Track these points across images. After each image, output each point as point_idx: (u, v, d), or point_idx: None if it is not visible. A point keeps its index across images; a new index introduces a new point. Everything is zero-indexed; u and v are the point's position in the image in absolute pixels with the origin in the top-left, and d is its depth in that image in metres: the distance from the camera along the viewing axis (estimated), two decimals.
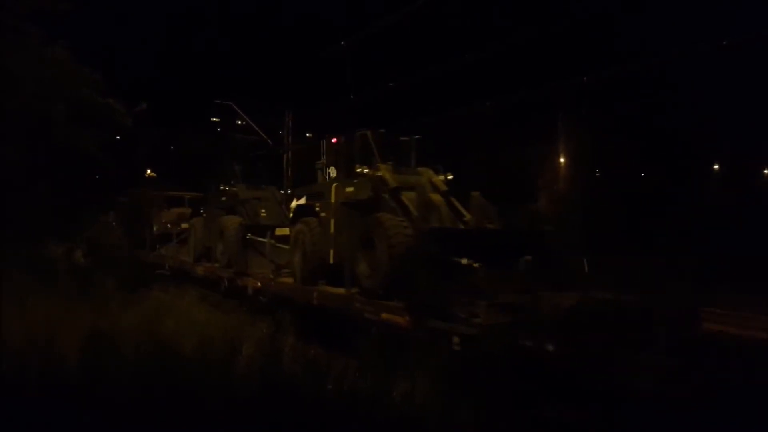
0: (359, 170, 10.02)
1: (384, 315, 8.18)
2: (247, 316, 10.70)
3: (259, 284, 11.96)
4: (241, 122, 35.26)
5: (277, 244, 12.24)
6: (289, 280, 11.40)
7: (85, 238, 19.59)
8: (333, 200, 10.55)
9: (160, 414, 5.11)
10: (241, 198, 15.62)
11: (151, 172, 44.72)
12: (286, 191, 21.78)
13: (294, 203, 12.26)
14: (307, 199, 11.73)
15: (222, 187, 16.81)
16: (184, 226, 18.70)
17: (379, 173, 9.80)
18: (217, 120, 55.36)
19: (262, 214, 15.21)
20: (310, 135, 34.72)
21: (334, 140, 20.49)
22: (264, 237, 12.53)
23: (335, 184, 10.62)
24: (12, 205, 11.50)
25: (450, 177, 10.37)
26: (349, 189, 10.33)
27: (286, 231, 12.19)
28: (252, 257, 12.76)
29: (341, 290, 9.62)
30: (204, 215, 16.98)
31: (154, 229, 20.68)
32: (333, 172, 19.22)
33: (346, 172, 10.63)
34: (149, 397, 5.40)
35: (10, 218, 11.52)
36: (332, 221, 10.35)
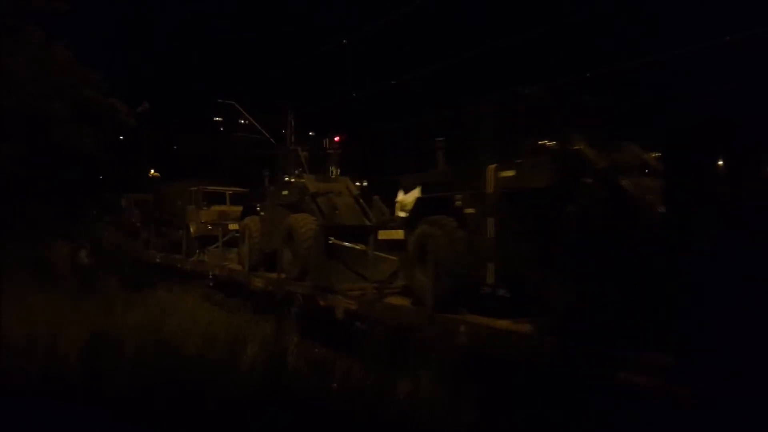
0: (545, 144, 6.92)
1: (623, 374, 5.17)
2: (251, 315, 10.65)
3: (355, 305, 9.15)
4: (245, 121, 35.28)
5: (376, 252, 9.36)
6: (401, 301, 8.70)
7: (92, 239, 18.54)
8: (491, 190, 7.41)
9: (164, 414, 5.07)
10: (311, 191, 12.09)
11: (155, 171, 44.71)
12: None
13: (403, 197, 9.31)
14: (423, 191, 8.79)
15: (286, 179, 13.34)
16: (232, 227, 15.68)
17: (577, 146, 6.74)
18: (219, 119, 55.44)
19: (339, 212, 11.79)
20: (313, 133, 34.74)
21: (336, 138, 20.05)
22: (348, 241, 9.95)
23: (492, 166, 7.42)
24: (15, 204, 11.49)
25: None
26: (509, 173, 7.18)
27: (395, 234, 9.22)
28: (331, 267, 10.04)
29: (515, 325, 6.76)
30: (262, 214, 13.85)
31: (191, 230, 17.74)
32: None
33: (502, 149, 7.42)
34: (153, 397, 5.36)
35: (13, 217, 11.51)
36: (490, 222, 7.31)
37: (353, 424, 5.12)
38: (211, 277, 14.73)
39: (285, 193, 12.87)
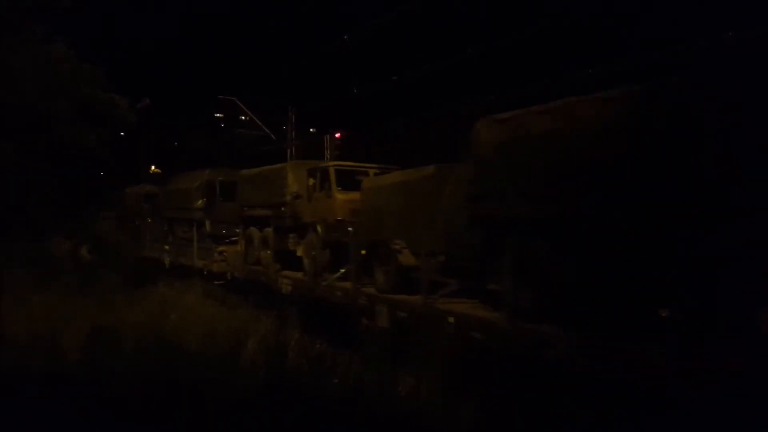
0: None
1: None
2: (253, 311, 10.67)
3: None
4: (245, 117, 35.27)
5: None
6: None
7: (93, 236, 17.79)
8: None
9: (165, 410, 5.09)
10: None
11: (156, 168, 44.67)
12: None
13: None
14: None
15: None
16: None
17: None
18: (220, 116, 55.46)
19: None
20: (314, 130, 34.69)
21: (337, 135, 20.12)
22: None
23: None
24: (17, 202, 11.49)
25: None
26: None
27: None
28: None
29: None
30: None
31: None
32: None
33: None
34: (154, 393, 5.38)
35: (14, 215, 11.51)
36: None
37: (354, 421, 5.13)
38: None
39: None
